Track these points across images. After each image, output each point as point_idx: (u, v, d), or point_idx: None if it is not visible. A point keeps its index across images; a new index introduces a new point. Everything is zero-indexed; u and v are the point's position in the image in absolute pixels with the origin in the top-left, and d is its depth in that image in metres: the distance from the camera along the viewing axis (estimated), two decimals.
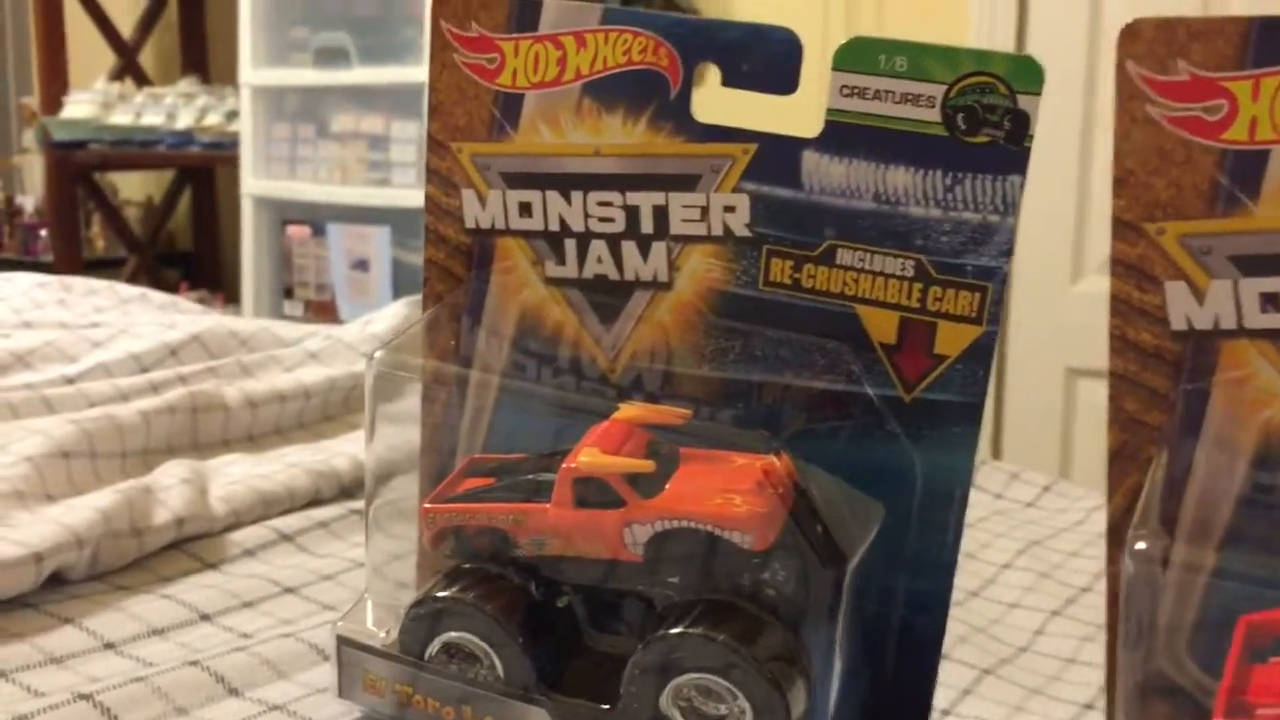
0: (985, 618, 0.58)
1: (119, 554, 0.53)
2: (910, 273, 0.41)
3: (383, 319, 0.89)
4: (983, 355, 0.41)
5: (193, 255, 3.40)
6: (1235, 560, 0.34)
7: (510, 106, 0.45)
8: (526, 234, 0.46)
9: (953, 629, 0.55)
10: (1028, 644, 0.56)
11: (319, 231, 2.55)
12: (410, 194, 2.34)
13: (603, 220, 0.45)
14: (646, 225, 0.44)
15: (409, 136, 2.37)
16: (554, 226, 0.45)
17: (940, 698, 0.47)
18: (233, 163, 2.64)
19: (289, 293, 2.61)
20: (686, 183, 0.43)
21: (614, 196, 0.44)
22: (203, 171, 3.22)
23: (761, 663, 0.37)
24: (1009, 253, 0.40)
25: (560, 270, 0.46)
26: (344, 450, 0.70)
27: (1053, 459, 1.93)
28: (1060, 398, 1.99)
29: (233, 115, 2.78)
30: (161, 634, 0.49)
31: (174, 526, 0.56)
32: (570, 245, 0.45)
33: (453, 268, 0.47)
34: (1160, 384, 0.35)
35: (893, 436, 0.43)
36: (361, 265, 2.50)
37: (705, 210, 0.43)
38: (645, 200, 0.44)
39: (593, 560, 0.41)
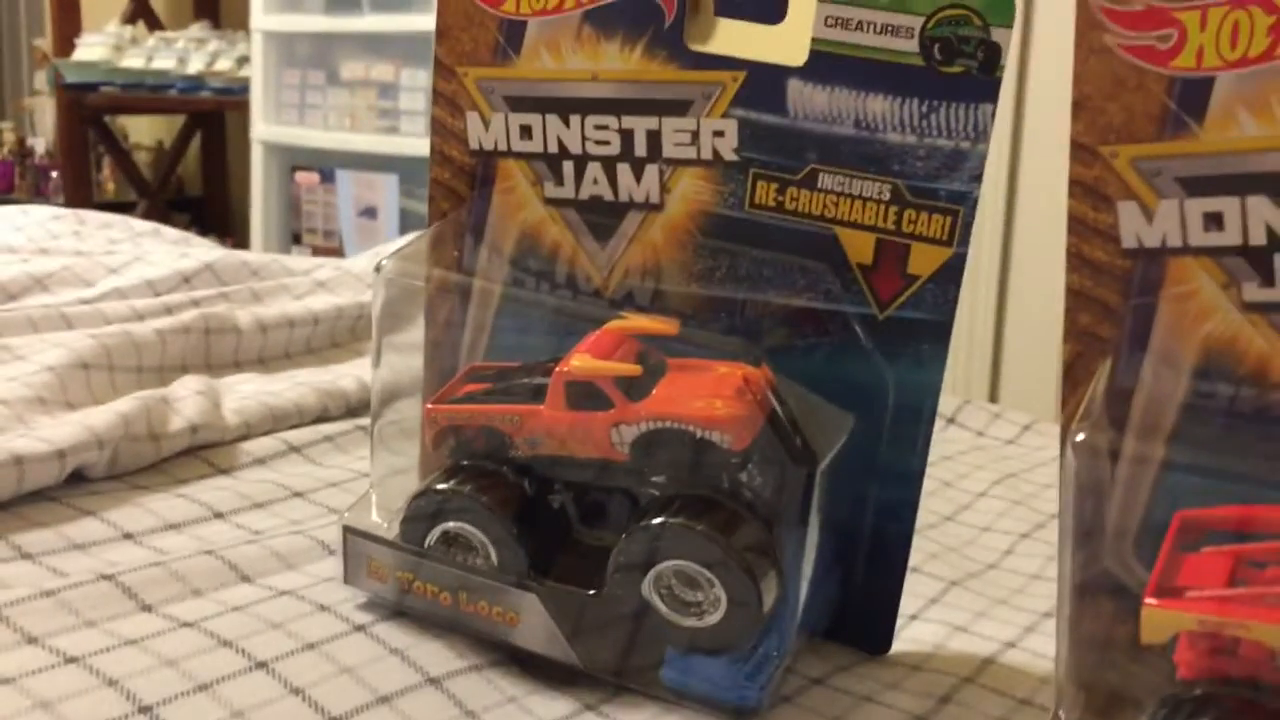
0: (958, 539, 0.61)
1: (137, 456, 0.56)
2: (886, 196, 0.44)
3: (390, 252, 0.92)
4: (953, 275, 0.44)
5: (202, 200, 3.42)
6: (1181, 453, 0.36)
7: (514, 32, 0.47)
8: (527, 156, 0.48)
9: (924, 547, 0.58)
10: (996, 561, 0.59)
11: (328, 178, 2.57)
12: (419, 142, 2.36)
13: (599, 143, 0.47)
14: (640, 148, 0.47)
15: (419, 85, 2.38)
16: (553, 149, 0.48)
17: (908, 605, 0.50)
18: (243, 108, 2.65)
19: (297, 239, 2.63)
20: (679, 108, 0.46)
21: (610, 120, 0.47)
22: (213, 117, 3.24)
23: (738, 552, 0.40)
24: (979, 178, 0.43)
25: (558, 191, 0.48)
26: (351, 373, 0.73)
27: (1049, 400, 1.94)
28: (1056, 355, 2.01)
29: (243, 61, 2.79)
30: (177, 528, 0.52)
31: (188, 433, 0.59)
32: (568, 167, 0.48)
33: (457, 187, 0.50)
34: (1112, 299, 0.38)
35: (867, 353, 0.45)
36: (369, 213, 2.52)
37: (696, 135, 0.46)
38: (639, 124, 0.46)
39: (583, 459, 0.44)
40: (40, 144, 3.48)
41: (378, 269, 0.46)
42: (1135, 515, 0.40)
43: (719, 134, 0.45)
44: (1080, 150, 0.36)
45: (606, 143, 0.47)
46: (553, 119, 0.47)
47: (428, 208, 0.50)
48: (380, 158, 2.45)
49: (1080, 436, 0.34)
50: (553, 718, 0.41)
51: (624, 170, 0.47)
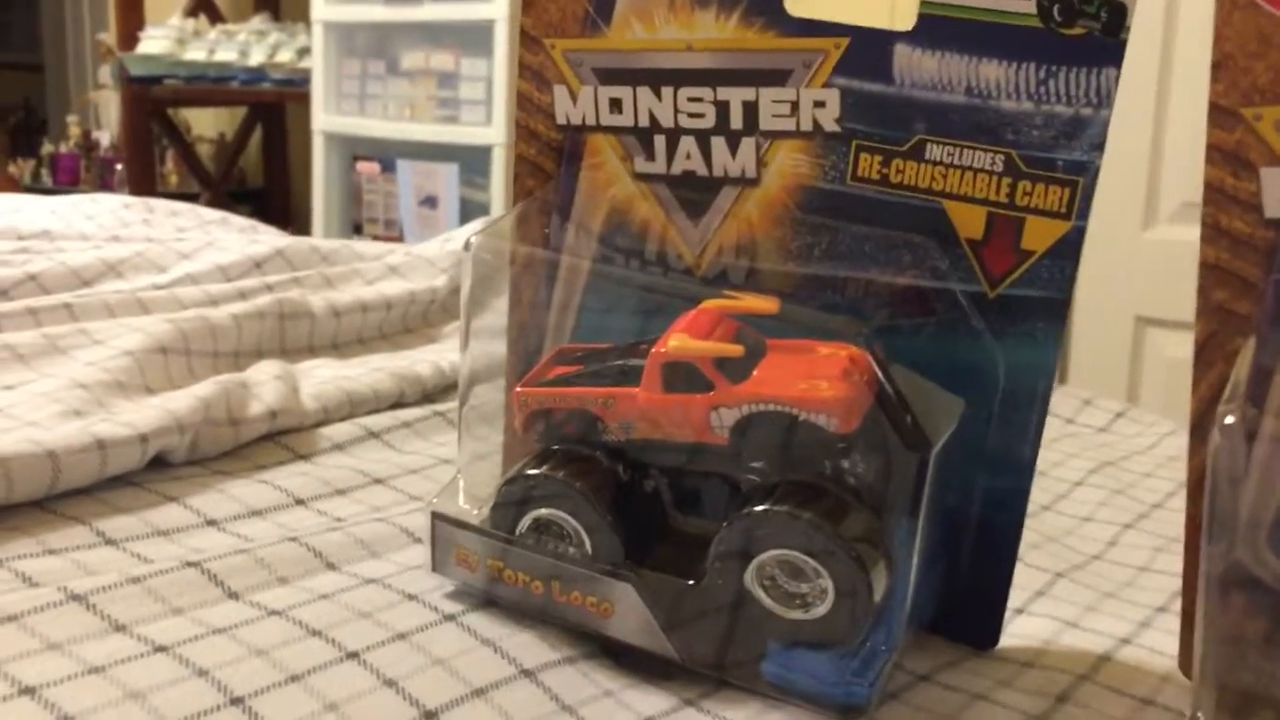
0: (1058, 529, 0.59)
1: (217, 441, 0.56)
2: (1000, 167, 0.41)
3: (461, 237, 0.91)
4: (1070, 250, 0.41)
5: (264, 191, 3.45)
6: None
7: (603, 2, 0.45)
8: (617, 130, 0.47)
9: (1026, 537, 0.55)
10: (1100, 553, 0.56)
11: (388, 168, 2.57)
12: (479, 131, 2.36)
13: (692, 116, 0.45)
14: (736, 121, 0.45)
15: (478, 74, 2.37)
16: (644, 122, 0.46)
17: (1013, 598, 0.48)
18: (303, 99, 2.66)
19: (358, 229, 2.64)
20: (777, 78, 0.44)
21: (704, 92, 0.45)
22: (274, 108, 3.26)
23: (846, 541, 0.38)
24: (1101, 146, 0.40)
25: (649, 166, 0.46)
26: (425, 358, 0.72)
27: (1120, 383, 1.90)
28: (1128, 347, 1.96)
29: (304, 52, 2.81)
30: (260, 514, 0.51)
31: (268, 418, 0.58)
32: (660, 141, 0.46)
33: (543, 164, 0.48)
34: (1251, 273, 0.35)
35: (976, 333, 0.43)
36: (430, 202, 2.52)
37: (795, 105, 0.44)
38: (735, 95, 0.44)
39: (679, 444, 0.42)
40: (105, 137, 3.53)
41: (466, 246, 0.44)
42: (1271, 504, 0.37)
43: (820, 104, 0.43)
44: (1220, 113, 0.34)
45: (700, 115, 0.45)
46: (644, 91, 0.46)
47: (513, 186, 0.49)
48: (440, 147, 2.45)
49: (1230, 419, 0.32)
50: (651, 712, 0.39)
51: (718, 144, 0.45)
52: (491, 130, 2.33)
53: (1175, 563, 0.56)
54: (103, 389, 0.57)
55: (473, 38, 2.36)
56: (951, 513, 0.44)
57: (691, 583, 0.41)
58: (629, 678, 0.41)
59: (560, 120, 0.47)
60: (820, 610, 0.40)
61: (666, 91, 0.45)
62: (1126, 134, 1.81)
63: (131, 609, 0.40)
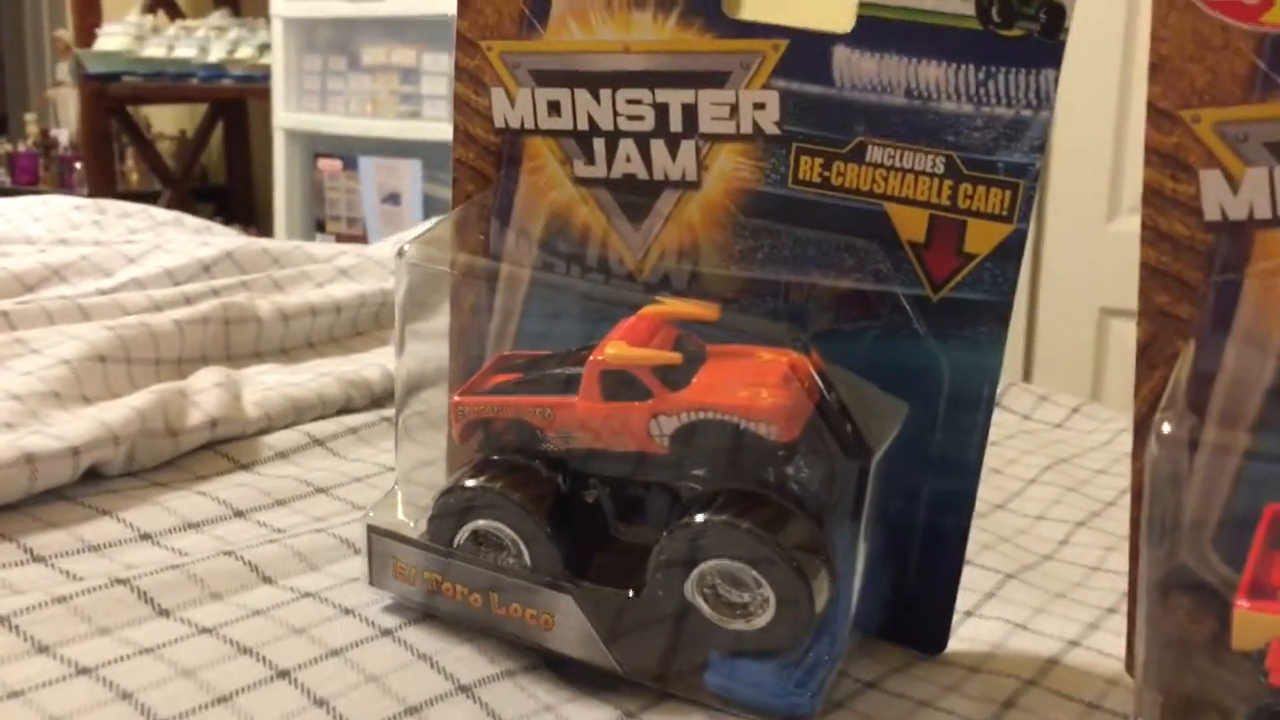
0: (1010, 528, 0.59)
1: (154, 453, 0.54)
2: (941, 169, 0.41)
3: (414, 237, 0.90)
4: (1012, 253, 0.41)
5: (226, 189, 3.41)
6: (1268, 441, 0.34)
7: (539, 3, 0.45)
8: (555, 133, 0.46)
9: (977, 538, 0.55)
10: (1052, 552, 0.56)
11: (350, 165, 2.55)
12: (442, 127, 2.34)
13: (631, 119, 0.44)
14: (675, 123, 0.44)
15: (441, 69, 2.36)
16: (583, 125, 0.45)
17: (963, 600, 0.48)
18: (264, 96, 2.64)
19: (321, 226, 2.62)
20: (716, 80, 0.43)
21: (643, 94, 0.44)
22: (235, 105, 3.23)
23: (787, 550, 0.38)
24: (1041, 148, 0.40)
25: (589, 170, 0.46)
26: (375, 361, 0.71)
27: (1084, 381, 1.91)
28: (1092, 338, 1.97)
29: (264, 48, 2.78)
30: (197, 527, 0.50)
31: (207, 427, 0.57)
32: (599, 144, 0.45)
33: (482, 168, 0.47)
34: (1192, 276, 0.35)
35: (920, 336, 0.43)
36: (393, 199, 2.50)
37: (735, 108, 0.43)
38: (674, 98, 0.44)
39: (620, 453, 0.41)
40: (64, 135, 3.48)
41: (400, 254, 0.43)
42: (1215, 507, 0.37)
43: (760, 106, 0.43)
44: (1158, 115, 0.34)
45: (640, 118, 0.44)
46: (582, 94, 0.45)
47: (452, 190, 0.48)
48: (403, 143, 2.43)
49: (1166, 427, 0.31)
50: None
51: (658, 147, 0.44)
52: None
53: (1124, 562, 0.55)
54: (37, 400, 0.56)
55: (435, 32, 2.35)
56: (897, 517, 0.43)
57: (632, 593, 0.40)
58: (570, 690, 0.40)
59: (498, 124, 0.46)
60: (762, 620, 0.39)
61: (605, 94, 0.44)
62: (1089, 126, 1.82)
63: (56, 629, 0.39)
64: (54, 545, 0.47)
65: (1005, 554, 0.55)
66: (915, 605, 0.45)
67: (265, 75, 2.66)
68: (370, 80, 2.48)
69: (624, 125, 0.45)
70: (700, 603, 0.39)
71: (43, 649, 0.38)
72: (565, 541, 0.42)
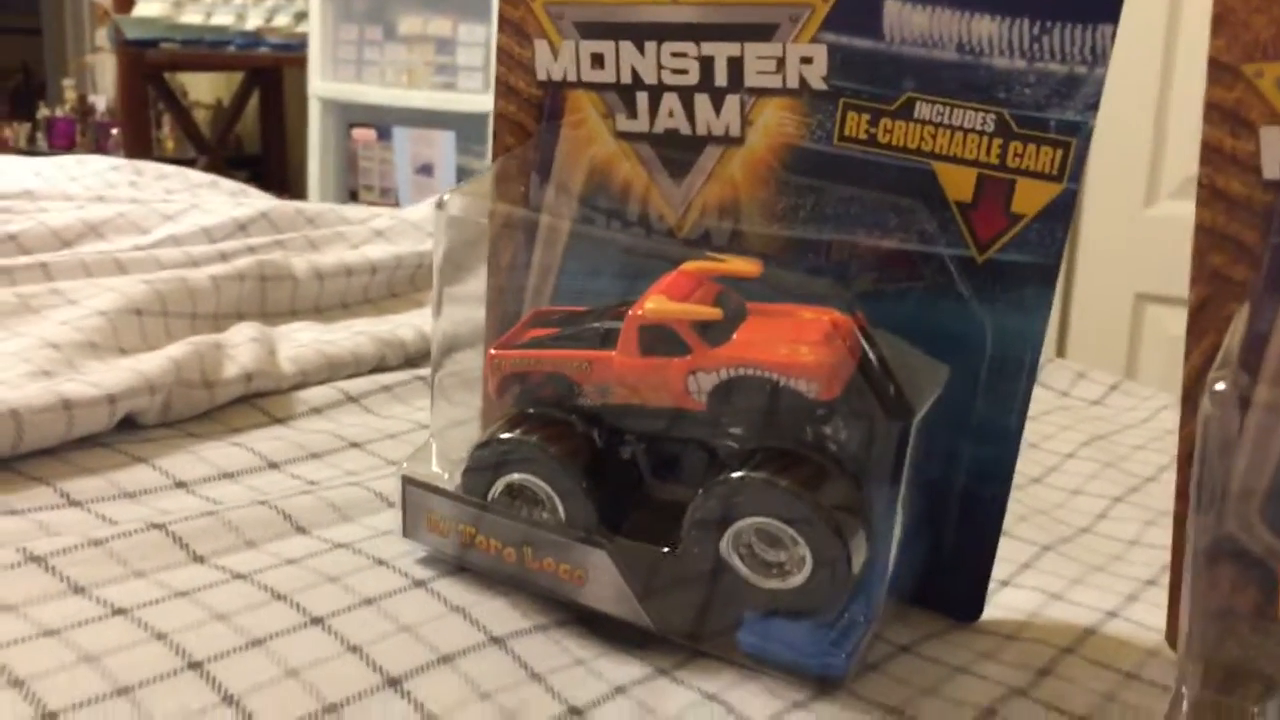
0: (1047, 502, 0.58)
1: (190, 404, 0.54)
2: (991, 127, 0.40)
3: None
4: (1061, 214, 0.40)
5: (260, 157, 3.42)
6: None
7: None
8: (598, 86, 0.45)
9: (1014, 510, 0.55)
10: (1089, 526, 0.55)
11: (384, 135, 2.55)
12: (476, 99, 2.33)
13: (676, 72, 0.44)
14: (720, 77, 0.43)
15: (476, 40, 2.35)
16: (626, 79, 0.45)
17: (999, 570, 0.47)
18: (300, 65, 2.64)
19: (354, 196, 2.62)
20: (763, 32, 0.42)
21: (688, 47, 0.43)
22: (270, 74, 3.23)
23: (825, 509, 0.37)
24: (1095, 106, 0.39)
25: (631, 124, 0.45)
26: (409, 322, 0.71)
27: (1119, 356, 1.89)
28: (1127, 324, 1.94)
29: (301, 17, 2.78)
30: (231, 477, 0.50)
31: (243, 380, 0.57)
32: (642, 98, 0.45)
33: (523, 121, 0.47)
34: (1248, 237, 0.34)
35: (963, 298, 0.42)
36: (426, 170, 2.50)
37: (781, 62, 0.42)
38: (720, 51, 0.43)
39: (657, 409, 0.41)
40: (101, 101, 3.50)
41: (439, 205, 0.43)
42: (1265, 474, 0.36)
43: (807, 60, 0.42)
44: (1220, 69, 0.33)
45: (684, 71, 0.44)
46: (626, 46, 0.44)
47: (491, 143, 0.48)
48: (437, 114, 2.43)
49: (1220, 385, 0.31)
50: (623, 681, 0.38)
51: (702, 101, 0.44)
52: (489, 97, 2.30)
53: (1165, 536, 0.54)
54: (74, 349, 0.56)
55: (471, 3, 2.34)
56: (935, 482, 0.43)
57: (667, 550, 0.40)
58: (602, 646, 0.40)
59: (541, 76, 0.46)
60: (797, 579, 0.39)
61: (650, 46, 0.44)
62: (1129, 109, 1.79)
63: (92, 571, 0.39)
64: (90, 490, 0.47)
65: (1042, 526, 0.55)
66: (951, 571, 0.45)
67: (301, 44, 2.66)
68: (406, 50, 2.47)
69: (668, 79, 0.44)
70: (735, 561, 0.39)
71: (79, 589, 0.38)
72: (601, 497, 0.41)
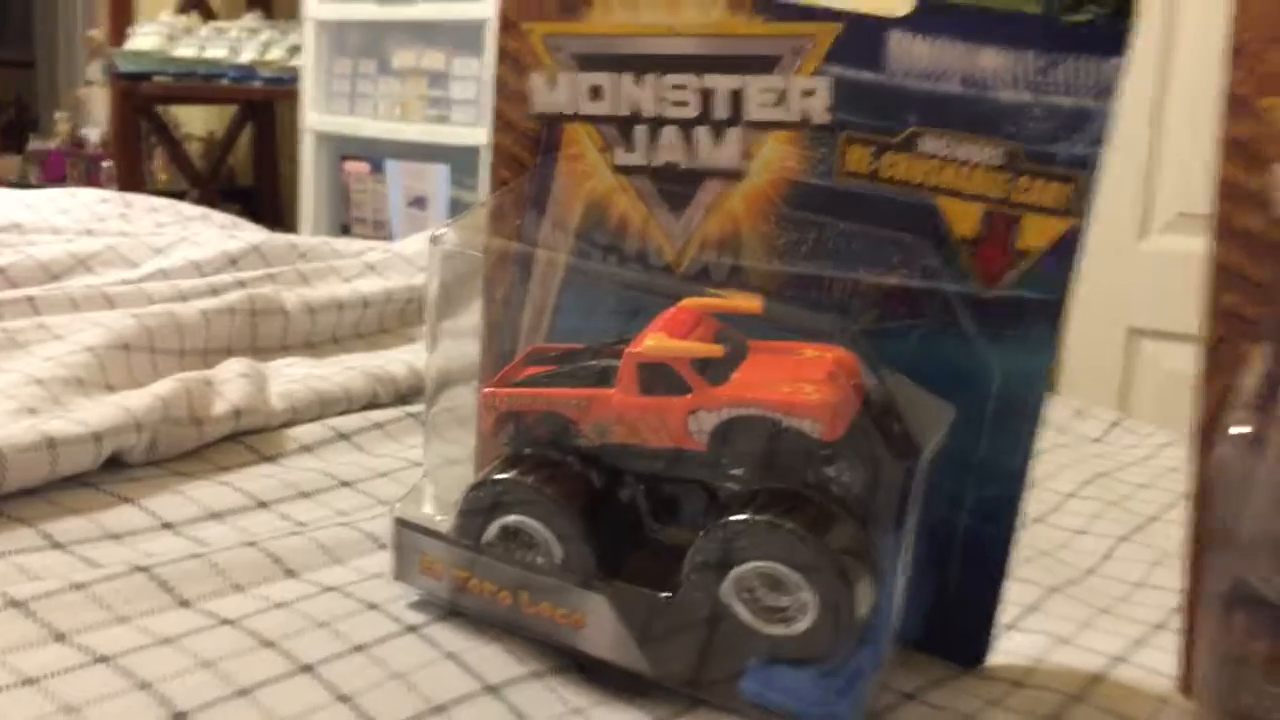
0: (1051, 542, 0.57)
1: (177, 441, 0.53)
2: (997, 161, 0.39)
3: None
4: (1069, 249, 0.39)
5: (253, 190, 3.42)
6: None
7: None
8: (596, 119, 0.44)
9: (1017, 550, 0.54)
10: (1095, 567, 0.54)
11: (377, 168, 2.55)
12: (470, 132, 2.33)
13: (676, 104, 0.43)
14: (721, 110, 0.43)
15: (470, 73, 2.35)
16: (625, 111, 0.44)
17: (1004, 613, 0.46)
18: (294, 98, 2.64)
19: (346, 229, 2.61)
20: (765, 65, 0.42)
21: (689, 79, 0.43)
22: (263, 107, 3.24)
23: (831, 553, 0.36)
24: (1103, 140, 0.38)
25: (629, 158, 0.44)
26: (401, 358, 0.70)
27: (1111, 391, 1.88)
28: (1120, 358, 1.94)
29: (295, 50, 2.78)
30: (219, 517, 0.49)
31: (232, 418, 0.56)
32: (641, 131, 0.44)
33: (519, 154, 0.46)
34: (1263, 275, 0.33)
35: (968, 336, 0.41)
36: (419, 203, 2.50)
37: (783, 94, 0.42)
38: (721, 84, 0.42)
39: (656, 449, 0.40)
40: (93, 134, 3.50)
41: (434, 240, 0.42)
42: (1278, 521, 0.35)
43: (809, 93, 0.41)
44: (1236, 103, 0.32)
45: (684, 104, 0.43)
46: (626, 78, 0.44)
47: (490, 176, 0.47)
48: (431, 147, 2.42)
49: (1237, 429, 0.30)
50: None
51: (703, 134, 0.43)
52: (483, 131, 2.31)
53: (1172, 577, 0.53)
54: (60, 386, 0.55)
55: (465, 37, 2.34)
56: (939, 525, 0.42)
57: (667, 595, 0.39)
58: (599, 694, 0.39)
59: (538, 108, 0.45)
60: (802, 625, 0.37)
61: (649, 78, 0.43)
62: (1122, 143, 1.78)
63: (74, 616, 0.38)
64: (74, 531, 0.46)
65: (1046, 568, 0.54)
66: (955, 616, 0.44)
67: (295, 77, 2.66)
68: (399, 84, 2.47)
69: (668, 111, 0.43)
70: (738, 606, 0.38)
71: (59, 636, 0.37)
72: (599, 540, 0.40)
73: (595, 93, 0.44)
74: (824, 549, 0.36)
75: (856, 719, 0.38)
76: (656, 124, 0.44)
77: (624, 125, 0.44)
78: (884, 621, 0.38)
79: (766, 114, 0.42)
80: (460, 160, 2.39)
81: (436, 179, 2.47)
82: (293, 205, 2.94)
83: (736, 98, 0.42)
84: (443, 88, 2.42)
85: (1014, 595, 0.49)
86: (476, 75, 2.33)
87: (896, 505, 0.37)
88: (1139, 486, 0.65)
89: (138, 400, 0.52)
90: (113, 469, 0.52)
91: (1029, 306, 0.40)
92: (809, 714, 0.38)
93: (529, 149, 0.46)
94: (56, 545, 0.44)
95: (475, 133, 2.33)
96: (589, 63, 0.44)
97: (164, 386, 0.54)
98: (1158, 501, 0.63)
